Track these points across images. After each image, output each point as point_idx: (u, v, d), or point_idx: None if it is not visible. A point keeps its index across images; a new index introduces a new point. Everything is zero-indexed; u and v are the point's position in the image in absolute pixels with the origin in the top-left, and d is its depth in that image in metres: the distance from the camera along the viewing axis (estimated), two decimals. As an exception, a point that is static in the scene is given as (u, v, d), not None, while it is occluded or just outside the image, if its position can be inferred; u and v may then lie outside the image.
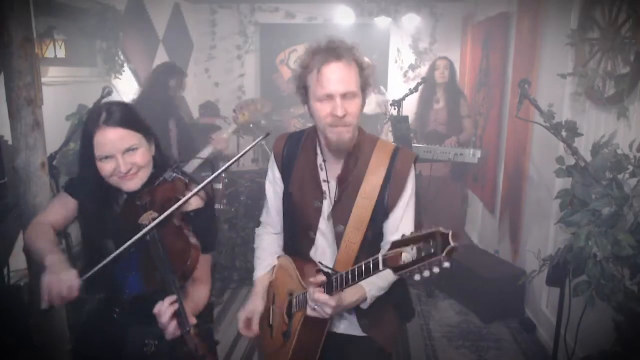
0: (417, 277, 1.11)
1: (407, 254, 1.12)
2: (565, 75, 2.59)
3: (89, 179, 1.46)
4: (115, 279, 1.49)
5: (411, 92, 3.63)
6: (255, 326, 1.61)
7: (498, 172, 3.98)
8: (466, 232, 4.83)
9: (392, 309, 1.61)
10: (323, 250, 1.60)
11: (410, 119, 3.75)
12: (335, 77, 1.40)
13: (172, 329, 1.25)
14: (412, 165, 1.54)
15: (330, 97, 1.40)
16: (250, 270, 3.41)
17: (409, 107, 3.93)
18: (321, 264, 1.40)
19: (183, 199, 1.36)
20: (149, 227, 1.31)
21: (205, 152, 3.41)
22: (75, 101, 3.36)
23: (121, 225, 1.42)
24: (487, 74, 4.29)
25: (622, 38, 2.19)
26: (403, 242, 1.15)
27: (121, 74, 3.96)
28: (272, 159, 1.68)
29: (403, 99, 3.55)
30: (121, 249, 1.32)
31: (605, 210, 1.78)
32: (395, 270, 1.15)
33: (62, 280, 1.25)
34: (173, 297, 1.26)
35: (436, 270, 1.07)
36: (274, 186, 1.69)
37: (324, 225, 1.58)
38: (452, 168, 4.17)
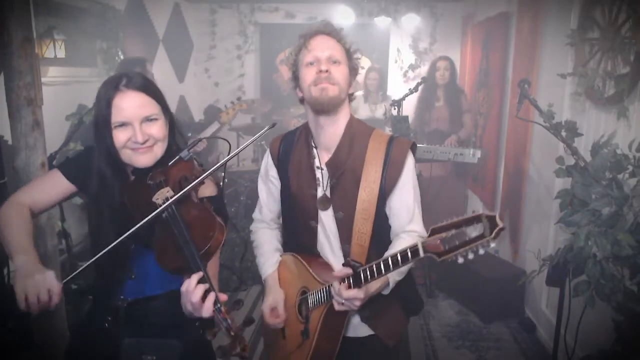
0: (461, 260, 1.15)
1: (449, 236, 1.14)
2: (565, 75, 2.59)
3: (91, 158, 1.35)
4: (109, 282, 1.37)
5: (411, 92, 3.63)
6: (282, 312, 1.59)
7: (498, 172, 3.98)
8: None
9: (396, 302, 1.60)
10: (327, 240, 1.60)
11: (410, 119, 3.75)
12: (322, 44, 1.50)
13: (204, 309, 1.12)
14: (409, 151, 1.55)
15: (316, 60, 1.49)
16: (250, 270, 3.40)
17: (409, 107, 3.93)
18: (346, 257, 1.41)
19: (209, 171, 1.26)
20: (169, 201, 1.20)
21: (200, 146, 3.36)
22: (75, 101, 3.36)
23: (124, 213, 1.29)
24: (487, 74, 4.29)
25: (622, 38, 2.19)
26: (444, 228, 1.16)
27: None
28: (267, 158, 1.70)
29: (403, 99, 3.55)
30: (131, 230, 1.17)
31: (605, 210, 1.78)
32: (440, 255, 1.16)
33: (38, 282, 1.12)
34: (200, 274, 1.14)
35: (481, 252, 1.12)
36: (267, 184, 1.72)
37: (322, 214, 1.58)
38: (452, 168, 4.18)
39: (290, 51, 1.57)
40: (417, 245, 1.21)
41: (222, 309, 1.13)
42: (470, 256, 1.13)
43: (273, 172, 1.69)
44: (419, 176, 4.05)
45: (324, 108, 1.49)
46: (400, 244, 1.50)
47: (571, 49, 2.65)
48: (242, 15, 5.80)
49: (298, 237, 1.67)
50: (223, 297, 1.15)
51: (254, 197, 4.10)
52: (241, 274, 3.80)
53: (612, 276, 1.77)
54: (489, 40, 4.27)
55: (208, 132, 3.49)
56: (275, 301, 1.61)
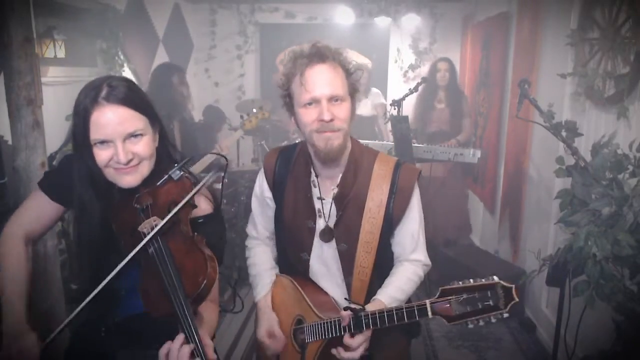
0: (471, 325, 1.13)
1: (459, 304, 1.12)
2: (565, 75, 2.58)
3: (71, 173, 1.23)
4: (103, 298, 1.26)
5: (411, 92, 3.63)
6: (279, 334, 1.52)
7: (498, 172, 3.98)
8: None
9: (395, 327, 1.53)
10: (320, 273, 1.52)
11: (410, 119, 3.75)
12: (320, 79, 1.32)
13: None
14: (416, 180, 1.48)
15: (316, 101, 1.33)
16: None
17: (409, 107, 3.93)
18: (348, 300, 1.36)
19: (189, 195, 1.13)
20: (150, 234, 1.07)
21: (209, 158, 3.37)
22: (75, 101, 3.36)
23: (112, 236, 1.18)
24: (487, 74, 4.29)
25: (622, 38, 2.19)
26: (455, 291, 1.14)
27: (121, 74, 3.96)
28: (261, 174, 1.58)
29: (403, 99, 3.55)
30: (109, 277, 1.07)
31: (605, 210, 1.77)
32: (449, 320, 1.14)
33: (19, 350, 1.06)
34: (182, 337, 1.02)
35: (493, 320, 1.10)
36: (261, 204, 1.61)
37: (320, 246, 1.50)
38: (452, 168, 4.18)
39: (281, 69, 1.43)
40: (425, 305, 1.18)
41: None
42: (481, 323, 1.12)
43: (268, 194, 1.56)
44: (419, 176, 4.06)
45: (330, 158, 1.39)
46: (401, 271, 1.47)
47: (571, 49, 2.64)
48: (242, 15, 5.80)
49: (289, 266, 1.59)
50: (212, 356, 1.04)
51: (254, 197, 4.12)
52: (240, 274, 3.79)
53: (612, 276, 1.77)
54: (489, 40, 4.27)
55: (230, 141, 3.51)
56: (271, 325, 1.52)
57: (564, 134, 2.14)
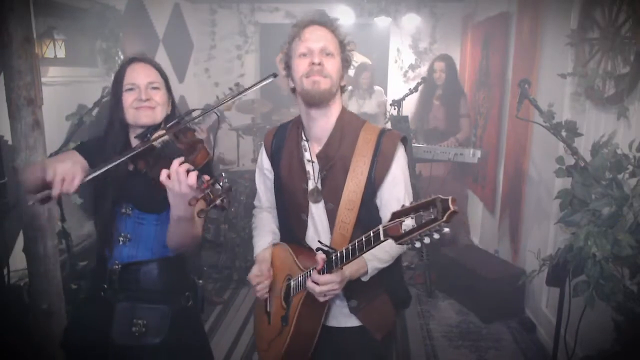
0: (417, 244, 1.17)
1: (408, 222, 1.17)
2: (565, 75, 2.58)
3: (97, 140, 1.57)
4: (106, 245, 1.53)
5: (411, 92, 3.64)
6: (267, 272, 1.63)
7: (498, 172, 3.98)
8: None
9: (384, 294, 1.61)
10: (316, 232, 1.61)
11: (410, 118, 3.76)
12: (316, 35, 1.51)
13: (189, 179, 1.27)
14: (399, 143, 1.56)
15: (310, 51, 1.49)
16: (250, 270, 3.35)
17: (409, 107, 3.94)
18: (320, 242, 1.42)
19: (199, 114, 1.46)
20: (161, 139, 1.40)
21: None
22: (75, 101, 3.36)
23: (124, 178, 1.47)
24: (487, 74, 4.29)
25: (622, 38, 2.19)
26: (403, 212, 1.19)
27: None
28: (262, 149, 1.74)
29: (403, 99, 3.55)
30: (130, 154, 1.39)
31: (605, 210, 1.77)
32: (397, 239, 1.20)
33: (67, 166, 1.30)
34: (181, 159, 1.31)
35: (436, 236, 1.13)
36: (263, 176, 1.76)
37: (313, 208, 1.59)
38: (452, 168, 4.18)
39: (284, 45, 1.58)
40: (379, 230, 1.25)
41: (205, 181, 1.26)
42: (426, 240, 1.14)
43: (267, 164, 1.71)
44: (419, 176, 4.07)
45: (316, 101, 1.51)
46: None
47: (571, 49, 2.65)
48: (242, 15, 5.80)
49: (289, 229, 1.68)
50: (206, 177, 1.28)
51: (254, 197, 4.12)
52: (239, 274, 3.80)
53: (612, 276, 1.77)
54: (489, 40, 4.27)
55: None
56: (260, 270, 1.64)
57: (564, 134, 2.14)
